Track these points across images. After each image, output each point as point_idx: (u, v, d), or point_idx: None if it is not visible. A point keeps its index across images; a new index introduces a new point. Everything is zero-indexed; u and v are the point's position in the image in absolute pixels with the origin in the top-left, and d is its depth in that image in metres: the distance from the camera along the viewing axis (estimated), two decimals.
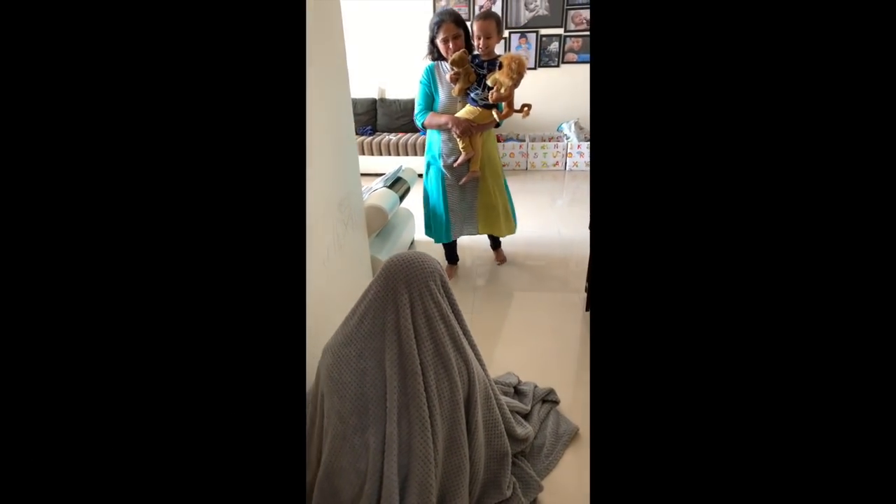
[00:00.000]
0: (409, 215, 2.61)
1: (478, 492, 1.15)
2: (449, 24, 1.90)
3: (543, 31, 4.06)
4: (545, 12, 3.99)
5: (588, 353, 1.75)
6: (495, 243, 2.47)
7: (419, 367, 0.99)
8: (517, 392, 1.53)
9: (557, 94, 4.20)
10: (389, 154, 4.03)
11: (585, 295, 2.10)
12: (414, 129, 4.03)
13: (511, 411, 1.32)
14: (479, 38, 1.89)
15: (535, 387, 1.54)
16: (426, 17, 2.05)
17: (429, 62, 2.05)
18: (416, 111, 2.10)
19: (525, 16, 4.03)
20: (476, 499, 1.15)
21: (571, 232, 2.86)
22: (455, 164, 2.05)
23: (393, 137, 4.05)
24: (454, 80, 1.93)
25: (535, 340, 1.86)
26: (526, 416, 1.42)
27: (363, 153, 3.98)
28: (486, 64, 1.91)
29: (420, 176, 2.38)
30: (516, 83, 1.86)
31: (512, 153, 4.13)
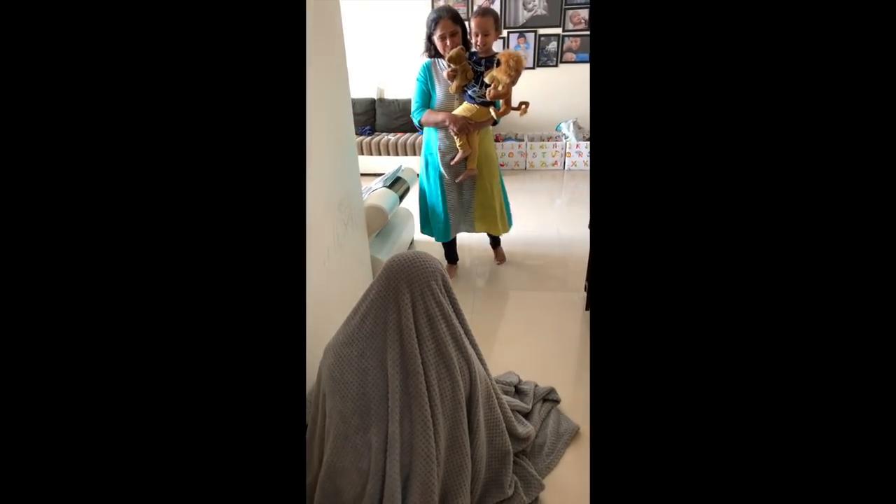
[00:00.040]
0: (409, 215, 2.61)
1: (479, 491, 1.15)
2: (446, 20, 1.89)
3: (542, 31, 4.06)
4: (543, 12, 3.99)
5: (588, 352, 1.75)
6: (494, 242, 2.47)
7: (421, 366, 0.99)
8: (518, 391, 1.53)
9: (556, 94, 4.20)
10: (388, 154, 4.03)
11: (585, 294, 2.10)
12: (413, 129, 4.03)
13: (512, 410, 1.32)
14: (477, 35, 1.88)
15: (536, 386, 1.54)
16: (425, 16, 2.04)
17: (426, 59, 2.04)
18: (412, 108, 2.08)
19: (523, 15, 4.03)
20: (478, 498, 1.15)
21: (570, 231, 2.86)
22: (452, 162, 2.04)
23: (392, 137, 4.05)
24: (451, 76, 1.92)
25: (534, 340, 1.86)
26: (527, 416, 1.42)
27: (362, 153, 3.98)
28: (483, 61, 1.90)
29: (419, 175, 2.38)
30: (514, 80, 1.85)
31: (511, 153, 4.13)
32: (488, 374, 1.19)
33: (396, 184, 2.35)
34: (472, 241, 2.66)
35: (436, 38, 1.93)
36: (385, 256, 2.13)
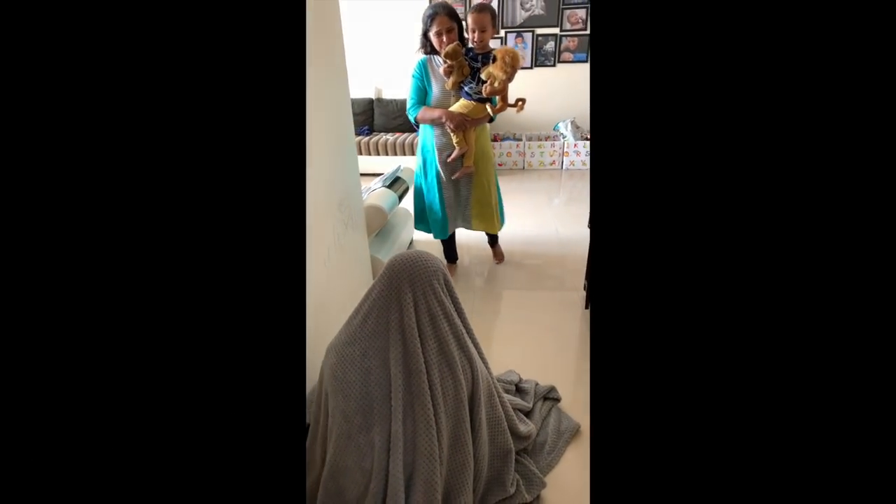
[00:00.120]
0: (408, 215, 2.61)
1: (482, 489, 1.16)
2: (443, 16, 1.87)
3: (539, 31, 4.06)
4: (541, 12, 4.00)
5: (587, 350, 1.75)
6: (492, 240, 2.46)
7: (423, 365, 0.99)
8: (519, 390, 1.53)
9: (554, 94, 4.20)
10: (387, 154, 4.03)
11: (584, 293, 2.11)
12: (411, 129, 4.03)
13: (513, 409, 1.32)
14: (474, 32, 1.87)
15: (537, 384, 1.55)
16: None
17: (421, 56, 2.02)
18: (408, 105, 2.05)
19: (521, 15, 4.03)
20: (480, 496, 1.16)
21: (569, 230, 2.86)
22: (449, 160, 2.03)
23: (390, 137, 4.05)
24: (448, 73, 1.90)
25: (534, 339, 1.86)
26: (528, 414, 1.43)
27: (360, 153, 3.98)
28: (480, 57, 1.89)
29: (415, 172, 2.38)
30: (510, 77, 1.84)
31: (509, 152, 4.13)
32: (490, 373, 1.19)
33: (396, 184, 2.35)
34: (470, 241, 2.66)
35: (432, 35, 1.91)
36: (385, 256, 2.13)
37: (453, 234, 2.32)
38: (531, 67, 4.16)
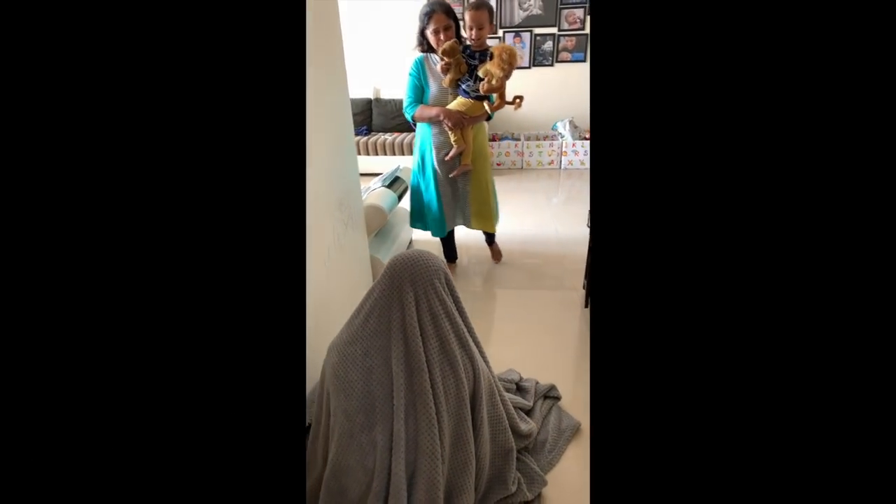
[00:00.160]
0: (408, 214, 2.62)
1: (483, 487, 1.16)
2: (440, 14, 1.86)
3: (537, 31, 4.06)
4: (539, 11, 4.00)
5: (587, 349, 1.75)
6: (489, 238, 2.45)
7: (425, 364, 1.00)
8: (519, 389, 1.54)
9: (552, 93, 4.21)
10: (386, 154, 4.03)
11: (583, 292, 2.11)
12: (410, 129, 4.03)
13: (514, 407, 1.33)
14: (472, 29, 1.86)
15: (537, 383, 1.55)
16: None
17: (418, 54, 2.00)
18: (405, 104, 2.03)
19: (519, 15, 4.04)
20: (482, 494, 1.16)
21: (567, 230, 2.87)
22: (447, 158, 2.02)
23: (389, 137, 4.05)
24: (445, 70, 1.89)
25: (534, 338, 1.86)
26: (528, 413, 1.43)
27: (359, 153, 3.98)
28: (477, 55, 1.88)
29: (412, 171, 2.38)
30: (508, 74, 1.84)
31: (507, 152, 4.13)
32: (491, 372, 1.20)
33: (395, 183, 2.35)
34: (469, 241, 2.66)
35: (429, 33, 1.90)
36: (384, 256, 2.13)
37: (452, 233, 2.32)
38: (529, 67, 4.16)
